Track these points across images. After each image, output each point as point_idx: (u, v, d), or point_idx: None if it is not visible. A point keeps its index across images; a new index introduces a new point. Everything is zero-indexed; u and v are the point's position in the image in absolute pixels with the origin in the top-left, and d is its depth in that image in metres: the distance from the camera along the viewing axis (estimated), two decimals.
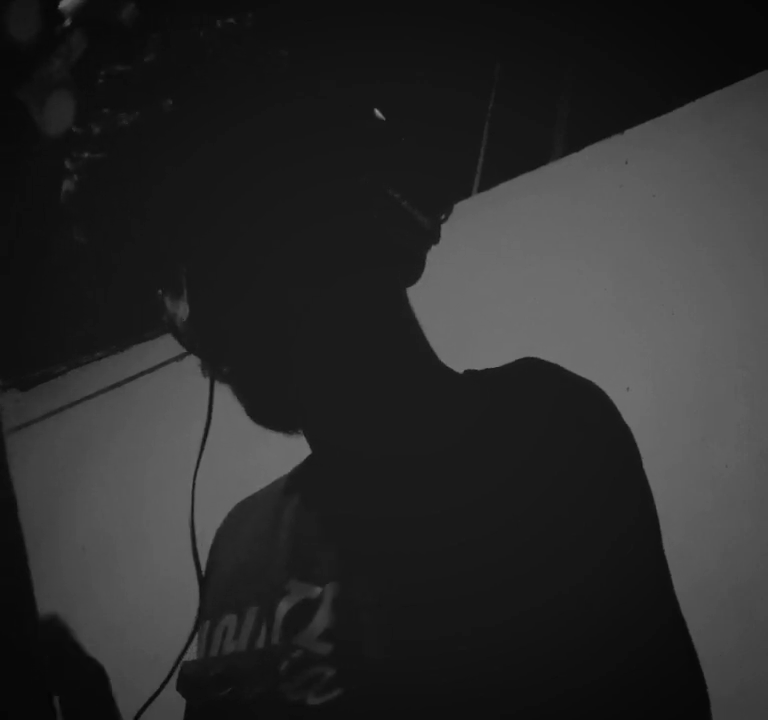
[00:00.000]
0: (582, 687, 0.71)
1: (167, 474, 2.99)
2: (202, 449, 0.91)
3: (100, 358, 3.32)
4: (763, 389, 1.98)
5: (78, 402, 3.22)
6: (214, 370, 0.85)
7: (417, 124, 0.89)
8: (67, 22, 0.51)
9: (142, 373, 3.14)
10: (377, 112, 0.86)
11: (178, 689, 0.91)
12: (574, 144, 2.53)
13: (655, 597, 0.75)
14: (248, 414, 0.84)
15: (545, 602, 0.71)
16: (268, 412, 0.85)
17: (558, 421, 0.76)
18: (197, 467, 0.92)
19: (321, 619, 0.77)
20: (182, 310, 0.82)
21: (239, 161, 0.81)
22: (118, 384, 3.21)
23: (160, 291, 0.86)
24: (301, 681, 0.76)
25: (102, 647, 1.00)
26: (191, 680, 0.88)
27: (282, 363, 0.82)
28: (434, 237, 0.88)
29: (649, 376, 2.08)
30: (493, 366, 0.84)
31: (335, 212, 0.83)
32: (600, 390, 0.80)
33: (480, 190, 2.65)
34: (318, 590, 0.79)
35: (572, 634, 0.71)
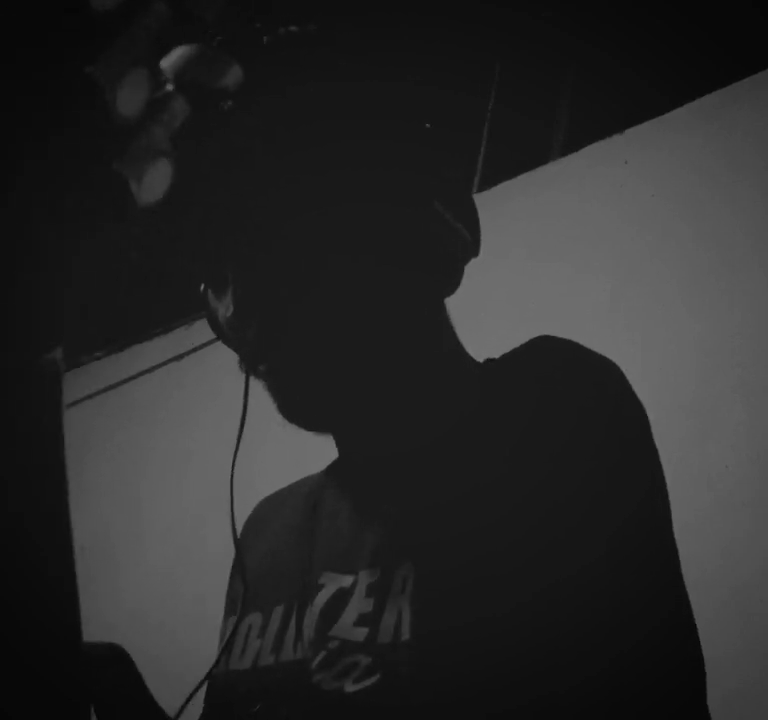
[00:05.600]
0: (587, 674, 0.72)
1: (167, 474, 2.99)
2: (239, 441, 0.92)
3: (100, 358, 3.32)
4: (761, 389, 1.98)
5: (78, 402, 3.22)
6: (250, 365, 0.85)
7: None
8: (169, 87, 0.49)
9: (142, 373, 3.14)
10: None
11: (205, 701, 0.91)
12: (574, 144, 2.54)
13: (659, 583, 0.76)
14: (280, 412, 0.84)
15: (550, 587, 0.72)
16: (302, 411, 0.85)
17: (548, 403, 0.77)
18: (234, 461, 0.92)
19: (355, 605, 0.78)
20: (225, 306, 0.83)
21: (280, 165, 0.81)
22: (118, 384, 3.21)
23: (202, 286, 0.87)
24: (338, 670, 0.77)
25: None
26: (221, 693, 0.89)
27: (306, 364, 0.83)
28: (474, 250, 0.89)
29: (647, 376, 2.09)
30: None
31: (381, 223, 0.84)
32: (607, 364, 0.80)
33: (480, 190, 2.65)
34: (350, 578, 0.80)
35: (577, 618, 0.72)
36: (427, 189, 0.85)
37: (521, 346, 0.83)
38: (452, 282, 0.89)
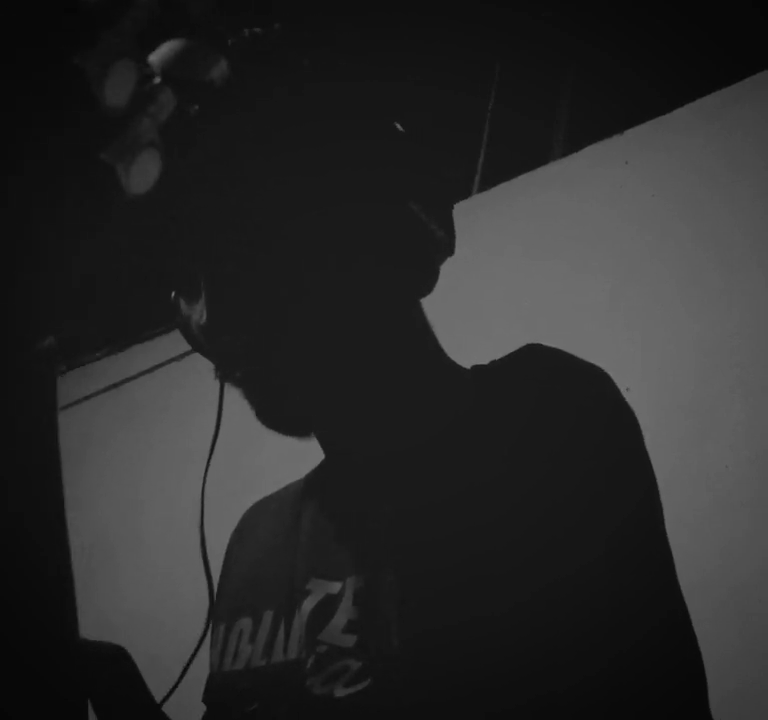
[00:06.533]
0: (585, 674, 0.72)
1: (167, 474, 2.99)
2: (212, 451, 0.91)
3: (100, 358, 3.32)
4: (760, 389, 1.98)
5: (78, 402, 3.22)
6: (226, 373, 0.85)
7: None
8: (156, 79, 0.50)
9: (142, 373, 3.14)
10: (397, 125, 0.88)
11: (204, 701, 0.91)
12: (574, 144, 2.54)
13: (657, 584, 0.76)
14: (259, 417, 0.84)
15: (548, 587, 0.72)
16: (289, 414, 0.84)
17: (546, 404, 0.77)
18: (207, 470, 0.92)
19: (343, 612, 0.78)
20: (198, 313, 0.82)
21: (263, 166, 0.81)
22: (118, 384, 3.21)
23: (174, 293, 0.87)
24: (328, 674, 0.77)
25: None
26: (218, 694, 0.89)
27: (307, 364, 0.82)
28: (449, 250, 0.89)
29: (646, 376, 2.09)
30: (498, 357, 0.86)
31: (357, 222, 0.84)
32: (599, 372, 0.80)
33: (480, 190, 2.65)
34: (338, 585, 0.80)
35: (576, 618, 0.72)
36: (403, 188, 0.85)
37: (514, 351, 0.83)
38: (428, 282, 0.89)
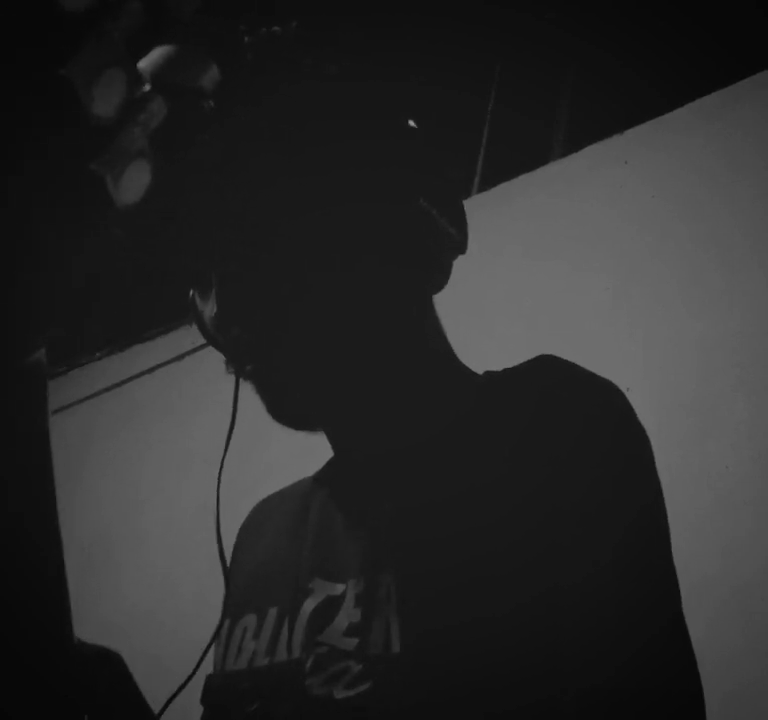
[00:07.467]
0: (593, 682, 0.72)
1: (167, 474, 3.00)
2: (227, 446, 0.92)
3: (100, 358, 3.32)
4: (762, 388, 1.98)
5: (78, 402, 3.22)
6: (238, 367, 0.85)
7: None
8: (146, 87, 0.49)
9: (142, 373, 3.14)
10: (410, 122, 0.88)
11: (202, 702, 0.91)
12: (574, 144, 2.54)
13: (660, 592, 0.76)
14: (269, 412, 0.85)
15: (549, 591, 0.72)
16: (290, 411, 0.85)
17: (551, 409, 0.77)
18: (222, 462, 0.92)
19: (345, 615, 0.78)
20: (211, 307, 0.83)
21: (265, 166, 0.81)
22: (118, 384, 3.21)
23: (191, 291, 0.87)
24: (327, 675, 0.77)
25: None
26: (218, 695, 0.89)
27: (307, 362, 0.83)
28: (461, 247, 0.89)
29: (648, 375, 2.09)
30: (508, 364, 0.86)
31: (360, 222, 0.84)
32: (611, 386, 0.80)
33: (480, 190, 2.65)
34: (341, 587, 0.80)
35: (583, 626, 0.72)
36: (413, 186, 0.86)
37: (527, 360, 0.83)
38: (439, 279, 0.89)
